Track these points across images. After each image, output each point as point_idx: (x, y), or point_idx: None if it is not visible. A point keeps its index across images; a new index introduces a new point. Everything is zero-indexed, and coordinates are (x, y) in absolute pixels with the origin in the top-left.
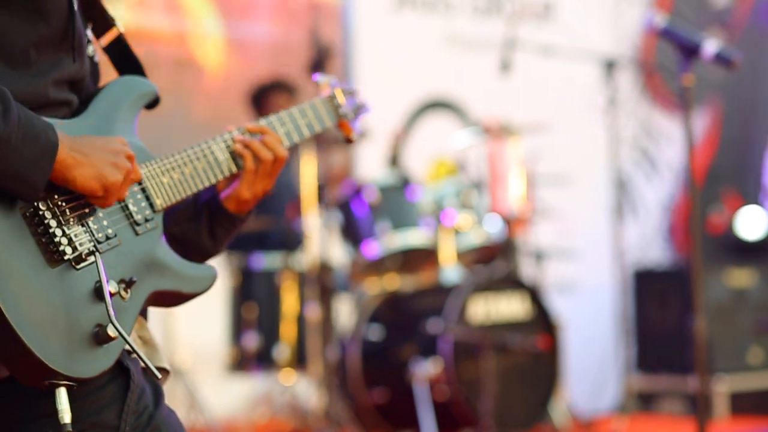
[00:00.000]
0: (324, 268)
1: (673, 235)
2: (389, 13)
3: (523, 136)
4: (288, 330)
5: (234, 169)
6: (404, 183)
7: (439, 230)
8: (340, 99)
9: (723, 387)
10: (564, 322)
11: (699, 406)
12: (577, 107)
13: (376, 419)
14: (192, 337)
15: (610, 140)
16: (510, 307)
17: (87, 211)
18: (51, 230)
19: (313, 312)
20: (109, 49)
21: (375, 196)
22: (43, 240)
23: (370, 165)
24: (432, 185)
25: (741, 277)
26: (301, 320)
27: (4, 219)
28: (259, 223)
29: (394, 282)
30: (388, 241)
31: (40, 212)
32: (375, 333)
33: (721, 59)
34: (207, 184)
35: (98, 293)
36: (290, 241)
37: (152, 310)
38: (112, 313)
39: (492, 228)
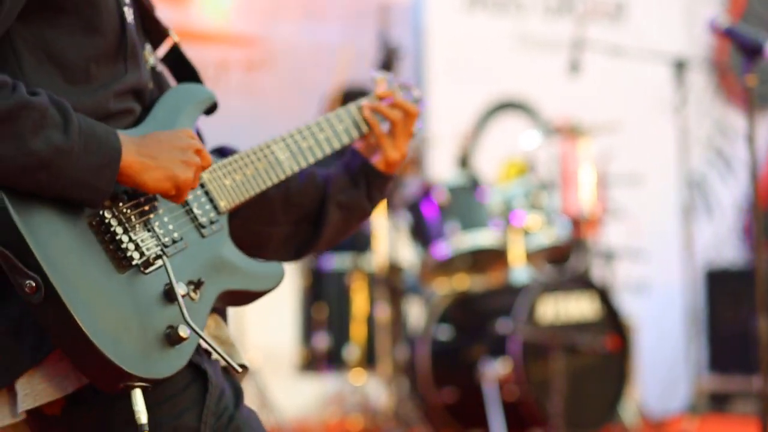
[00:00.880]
0: (393, 269)
1: (747, 234)
2: (460, 13)
3: (594, 137)
4: (358, 330)
5: (356, 136)
6: (474, 184)
7: (508, 231)
8: (397, 95)
9: None
10: (635, 322)
11: (763, 407)
12: (648, 107)
13: (446, 419)
14: (263, 337)
15: (680, 140)
16: (579, 307)
17: (152, 216)
18: (118, 237)
19: (383, 312)
20: (166, 59)
21: (444, 196)
22: (111, 247)
23: (439, 166)
24: (501, 186)
25: None
26: (370, 320)
27: (72, 229)
28: None
29: (463, 282)
30: (457, 241)
31: (106, 220)
32: (444, 333)
33: None
34: (269, 183)
35: (168, 295)
36: (360, 241)
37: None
38: (185, 312)
39: (562, 228)
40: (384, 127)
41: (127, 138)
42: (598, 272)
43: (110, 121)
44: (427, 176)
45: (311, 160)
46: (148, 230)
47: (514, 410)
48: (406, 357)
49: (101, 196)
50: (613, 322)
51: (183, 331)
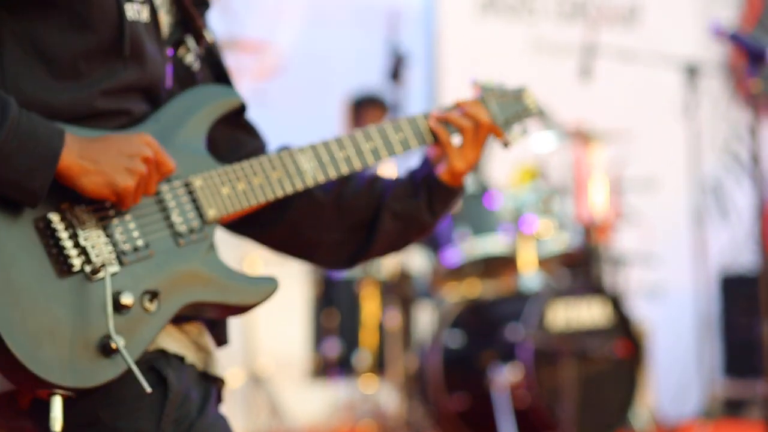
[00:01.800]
0: (403, 276)
1: (765, 239)
2: (473, 18)
3: (608, 142)
4: (368, 337)
5: (414, 146)
6: (483, 190)
7: (518, 237)
8: (490, 103)
9: None
10: (648, 328)
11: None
12: (662, 112)
13: (457, 425)
14: (274, 344)
15: (692, 145)
16: (590, 313)
17: (115, 222)
18: (61, 242)
19: (393, 319)
20: (205, 60)
21: None
22: (53, 251)
23: None
24: (512, 191)
25: None
26: (381, 327)
27: (13, 228)
28: None
29: (473, 289)
30: (467, 248)
31: (52, 224)
32: (455, 339)
33: None
34: (280, 194)
35: (113, 305)
36: None
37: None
38: (111, 327)
39: (574, 234)
40: (455, 138)
41: (74, 139)
42: (610, 278)
43: (97, 120)
44: None
45: (345, 171)
46: (107, 236)
47: (525, 417)
48: (416, 364)
49: (35, 197)
50: (624, 328)
51: (113, 343)
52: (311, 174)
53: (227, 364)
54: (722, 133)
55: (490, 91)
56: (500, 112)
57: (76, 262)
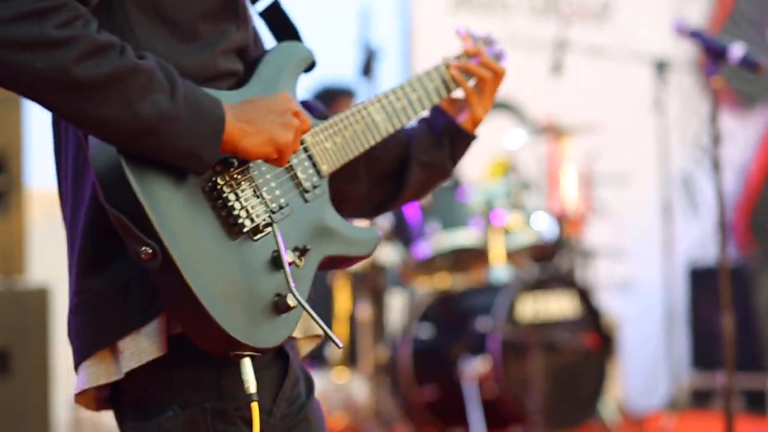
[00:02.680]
0: (375, 268)
1: (734, 233)
2: (446, 14)
3: (580, 136)
4: (340, 329)
5: (444, 95)
6: (454, 184)
7: (488, 230)
8: (483, 53)
9: None
10: (618, 320)
11: (727, 402)
12: (633, 107)
13: (426, 417)
14: None
15: (662, 140)
16: (559, 305)
17: (260, 182)
18: (230, 203)
19: (365, 311)
20: (264, 15)
21: (426, 196)
22: (223, 213)
23: None
24: (483, 185)
25: None
26: (352, 319)
27: (185, 194)
28: None
29: (444, 281)
30: (438, 241)
31: (218, 186)
32: (425, 332)
33: (746, 63)
34: (367, 146)
35: (275, 263)
36: None
37: None
38: (292, 283)
39: (544, 227)
40: (471, 85)
41: (227, 106)
42: (580, 271)
43: (218, 82)
44: None
45: (405, 121)
46: (257, 196)
47: (493, 408)
48: (387, 355)
49: (206, 164)
50: (593, 321)
51: (291, 300)
52: (383, 126)
53: None
54: (693, 128)
55: (479, 40)
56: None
57: (247, 222)
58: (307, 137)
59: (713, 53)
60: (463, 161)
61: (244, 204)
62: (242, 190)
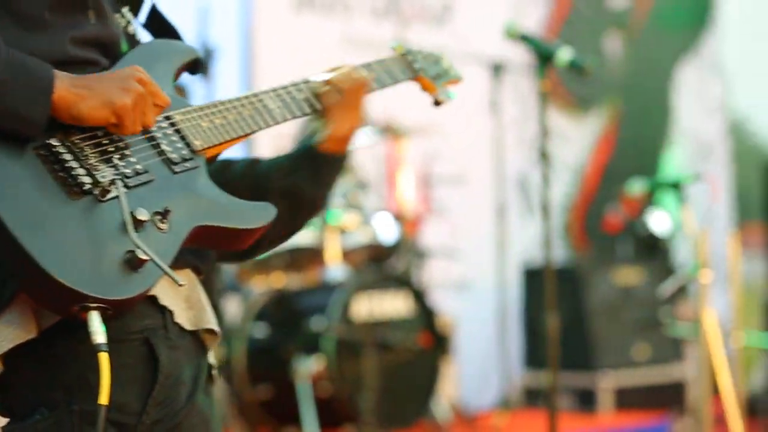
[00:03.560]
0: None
1: (569, 233)
2: (288, 14)
3: (419, 137)
4: None
5: (317, 107)
6: None
7: (325, 229)
8: (418, 58)
9: (608, 382)
10: (453, 320)
11: (551, 400)
12: (471, 109)
13: (261, 416)
14: None
15: (497, 141)
16: (394, 305)
17: (110, 149)
18: (67, 164)
19: None
20: (147, 25)
21: None
22: (60, 174)
23: None
24: None
25: (629, 275)
26: None
27: (17, 159)
28: None
29: (279, 280)
30: None
31: (53, 148)
32: (260, 331)
33: (574, 66)
34: (256, 129)
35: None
36: None
37: None
38: (133, 233)
39: (381, 227)
40: (330, 98)
41: (61, 73)
42: (416, 271)
43: (70, 68)
44: None
45: (308, 111)
46: (106, 162)
47: (327, 407)
48: (222, 354)
49: (36, 126)
50: (427, 320)
51: (141, 254)
52: (279, 113)
53: None
54: (529, 130)
55: (414, 52)
56: (429, 69)
57: (86, 180)
58: (177, 115)
59: (542, 56)
60: None
61: (85, 165)
62: (85, 155)
